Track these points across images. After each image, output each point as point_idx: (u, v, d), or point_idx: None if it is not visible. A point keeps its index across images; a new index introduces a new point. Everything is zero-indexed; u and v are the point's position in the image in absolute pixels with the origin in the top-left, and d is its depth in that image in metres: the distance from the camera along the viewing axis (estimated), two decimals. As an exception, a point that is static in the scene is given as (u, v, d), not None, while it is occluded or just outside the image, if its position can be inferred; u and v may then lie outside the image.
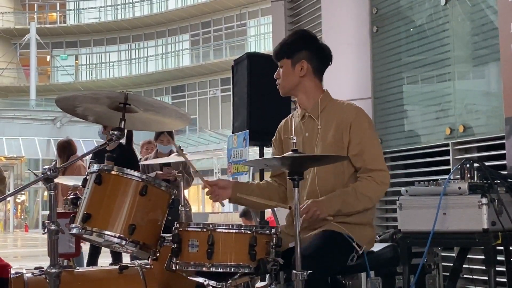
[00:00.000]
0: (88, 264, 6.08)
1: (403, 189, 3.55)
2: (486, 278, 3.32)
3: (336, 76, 5.64)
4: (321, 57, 3.16)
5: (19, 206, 36.03)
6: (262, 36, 35.25)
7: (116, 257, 6.07)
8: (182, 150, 3.16)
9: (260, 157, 4.64)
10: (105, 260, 6.23)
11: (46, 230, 2.66)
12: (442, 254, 4.34)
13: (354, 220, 3.01)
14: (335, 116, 3.08)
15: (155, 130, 5.77)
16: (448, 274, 3.92)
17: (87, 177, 2.93)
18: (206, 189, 3.12)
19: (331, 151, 3.00)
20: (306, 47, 3.13)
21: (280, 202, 3.28)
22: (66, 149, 7.16)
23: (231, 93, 5.53)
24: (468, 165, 3.34)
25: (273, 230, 2.75)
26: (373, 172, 2.98)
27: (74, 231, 2.85)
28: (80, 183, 4.75)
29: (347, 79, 5.56)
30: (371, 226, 3.10)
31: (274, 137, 3.34)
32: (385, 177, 3.01)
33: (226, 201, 3.19)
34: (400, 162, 5.21)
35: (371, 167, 2.99)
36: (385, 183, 3.01)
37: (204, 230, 2.69)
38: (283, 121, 3.34)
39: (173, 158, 5.01)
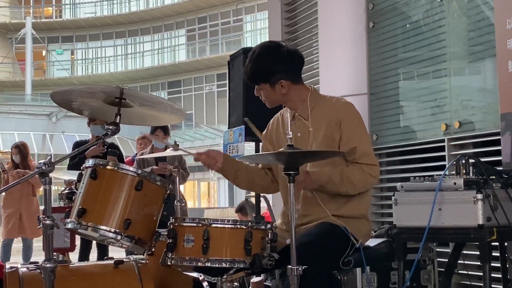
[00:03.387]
0: (80, 260, 6.04)
1: (398, 184, 3.55)
2: (481, 273, 3.32)
3: (332, 71, 5.66)
4: (294, 67, 3.13)
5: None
6: (258, 32, 35.17)
7: (103, 251, 6.01)
8: (178, 145, 3.15)
9: (256, 152, 4.63)
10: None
11: (41, 224, 2.66)
12: (437, 249, 4.35)
13: (348, 214, 3.02)
14: (325, 114, 3.08)
15: (150, 125, 5.76)
16: (443, 269, 3.92)
17: (83, 172, 2.93)
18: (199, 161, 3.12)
19: (323, 148, 3.01)
20: (278, 69, 3.05)
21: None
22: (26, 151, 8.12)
23: (227, 88, 5.52)
24: (463, 161, 3.33)
25: (269, 225, 2.75)
26: (364, 165, 3.01)
27: (69, 225, 2.85)
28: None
29: (343, 74, 5.55)
30: (367, 219, 3.12)
31: (265, 131, 3.35)
32: (374, 170, 3.03)
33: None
34: (396, 158, 5.21)
35: (362, 162, 3.02)
36: (373, 176, 3.02)
37: (200, 225, 2.69)
38: (274, 119, 3.33)
39: (169, 153, 4.99)
